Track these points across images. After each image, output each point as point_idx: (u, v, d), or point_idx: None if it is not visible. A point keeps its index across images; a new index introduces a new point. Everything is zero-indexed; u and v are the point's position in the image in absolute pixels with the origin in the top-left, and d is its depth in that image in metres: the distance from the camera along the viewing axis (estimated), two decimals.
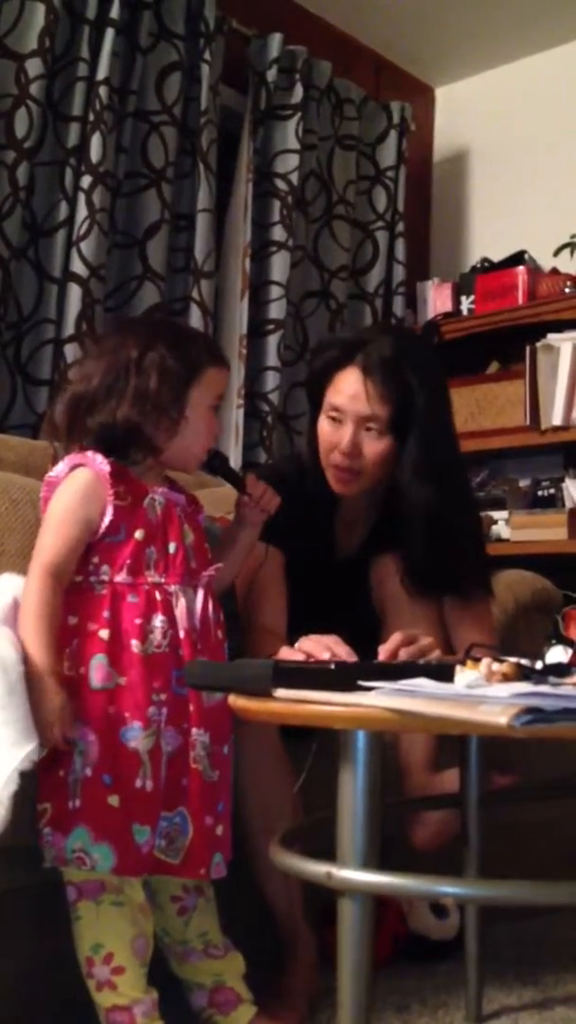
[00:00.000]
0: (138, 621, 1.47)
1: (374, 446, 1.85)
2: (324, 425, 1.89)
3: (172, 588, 1.51)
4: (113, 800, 1.41)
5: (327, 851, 1.23)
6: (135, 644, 1.46)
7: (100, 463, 1.52)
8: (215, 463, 1.68)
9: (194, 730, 1.47)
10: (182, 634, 1.49)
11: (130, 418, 1.53)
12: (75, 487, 1.52)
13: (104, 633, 1.46)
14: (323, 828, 1.28)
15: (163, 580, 1.50)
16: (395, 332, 2.00)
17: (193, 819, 1.47)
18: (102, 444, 1.55)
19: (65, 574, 1.49)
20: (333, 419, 1.87)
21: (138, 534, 1.51)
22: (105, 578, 1.49)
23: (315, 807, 1.59)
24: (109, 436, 1.54)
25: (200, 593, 1.53)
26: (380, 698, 1.13)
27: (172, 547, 1.53)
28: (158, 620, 1.48)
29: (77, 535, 1.50)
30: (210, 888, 1.56)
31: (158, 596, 1.49)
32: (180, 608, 1.50)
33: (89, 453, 1.54)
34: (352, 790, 1.20)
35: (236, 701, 1.27)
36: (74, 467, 1.54)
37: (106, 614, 1.47)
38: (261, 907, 1.71)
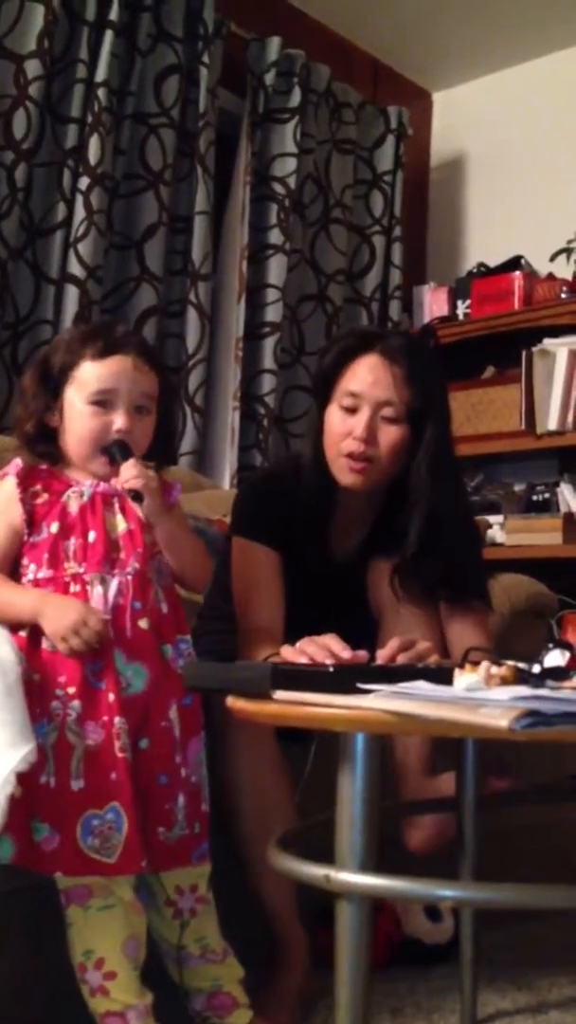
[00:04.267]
0: None
1: (390, 433, 1.83)
2: (335, 416, 1.86)
3: (88, 577, 1.50)
4: (16, 791, 1.37)
5: (322, 853, 1.23)
6: (45, 640, 1.46)
7: (12, 467, 1.58)
8: (110, 454, 1.55)
9: (116, 719, 1.43)
10: None
11: (20, 422, 1.62)
12: None
13: (23, 632, 1.48)
14: (319, 830, 1.28)
15: (82, 570, 1.50)
16: (404, 332, 1.99)
17: (126, 811, 1.41)
18: (33, 448, 1.62)
19: None
20: (346, 408, 1.84)
21: (53, 527, 1.52)
22: (32, 576, 1.52)
23: (309, 810, 1.59)
24: (28, 439, 1.61)
25: (115, 581, 1.50)
26: (380, 700, 1.13)
27: (92, 536, 1.52)
28: None
29: (0, 536, 1.55)
30: (209, 892, 1.55)
31: (74, 588, 1.49)
32: (95, 597, 1.48)
33: (16, 460, 1.59)
34: (351, 793, 1.20)
35: (235, 703, 1.26)
36: (3, 476, 1.59)
37: None
38: (255, 908, 1.70)
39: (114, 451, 1.55)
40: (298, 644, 1.51)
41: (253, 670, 1.29)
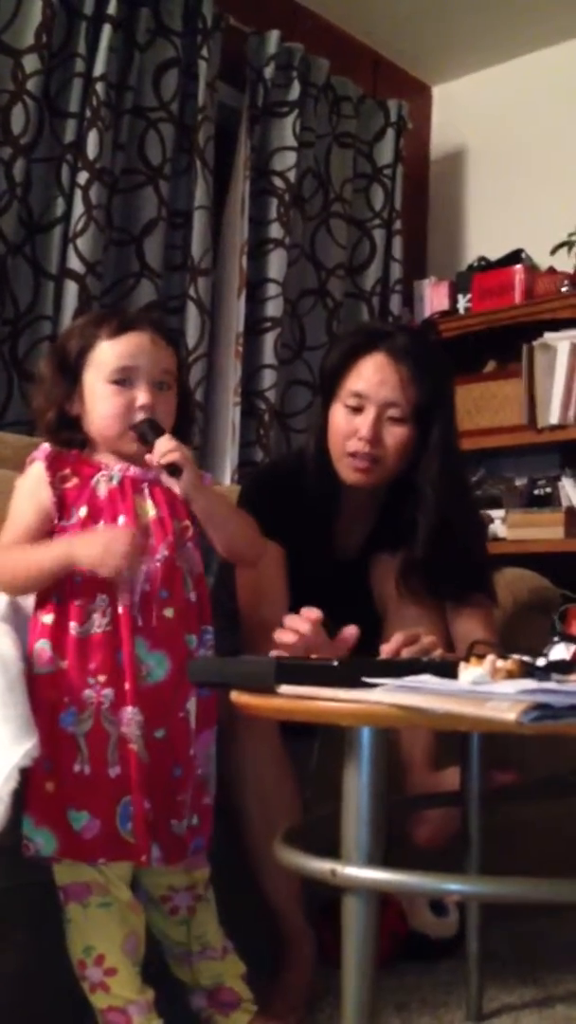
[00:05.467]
0: (78, 602, 1.47)
1: (396, 433, 1.83)
2: (339, 414, 1.86)
3: None
4: (49, 786, 1.40)
5: (327, 848, 1.22)
6: (73, 626, 1.46)
7: (40, 452, 1.56)
8: (140, 433, 1.54)
9: (128, 709, 1.43)
10: (121, 609, 1.46)
11: (41, 412, 1.60)
12: (23, 478, 1.57)
13: (48, 618, 1.47)
14: (324, 825, 1.27)
15: None
16: (409, 328, 1.99)
17: (133, 802, 1.42)
18: (56, 437, 1.60)
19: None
20: (352, 408, 1.84)
21: (81, 511, 1.51)
22: None
23: (311, 803, 1.58)
24: (50, 428, 1.60)
25: (144, 567, 1.48)
26: (387, 694, 1.12)
27: (121, 520, 1.51)
28: (100, 599, 1.47)
29: (30, 518, 1.53)
30: (208, 890, 1.55)
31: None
32: (122, 582, 1.47)
33: (43, 444, 1.58)
34: (357, 787, 1.19)
35: (240, 697, 1.26)
36: (31, 462, 1.58)
37: (54, 598, 1.48)
38: (260, 905, 1.70)
39: (145, 430, 1.53)
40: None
41: (257, 664, 1.28)
